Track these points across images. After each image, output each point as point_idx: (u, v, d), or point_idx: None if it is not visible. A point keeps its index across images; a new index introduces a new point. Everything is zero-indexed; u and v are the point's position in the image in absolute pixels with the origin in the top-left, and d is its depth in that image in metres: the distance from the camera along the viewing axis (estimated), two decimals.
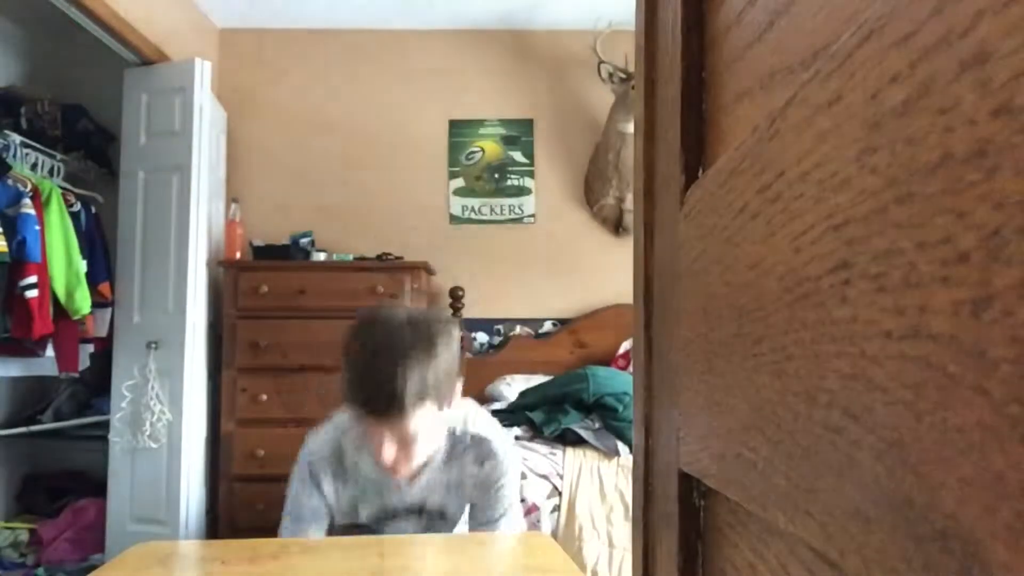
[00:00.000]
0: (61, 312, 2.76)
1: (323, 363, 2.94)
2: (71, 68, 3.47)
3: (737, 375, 0.30)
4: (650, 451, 0.46)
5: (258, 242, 3.26)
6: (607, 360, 3.28)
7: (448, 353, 1.21)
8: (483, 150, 3.60)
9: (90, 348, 3.17)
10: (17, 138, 2.80)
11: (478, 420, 1.44)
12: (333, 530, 1.43)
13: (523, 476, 2.33)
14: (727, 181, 0.32)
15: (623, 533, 2.41)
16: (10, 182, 2.67)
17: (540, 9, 3.43)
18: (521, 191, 3.60)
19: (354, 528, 1.40)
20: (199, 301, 2.97)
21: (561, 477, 2.47)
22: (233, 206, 3.32)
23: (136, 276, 2.97)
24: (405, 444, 1.22)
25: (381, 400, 1.15)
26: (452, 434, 1.37)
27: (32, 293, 2.61)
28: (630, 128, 3.26)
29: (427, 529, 1.40)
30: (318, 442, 1.40)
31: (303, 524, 1.38)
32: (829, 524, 0.22)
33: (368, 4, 3.38)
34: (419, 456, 1.26)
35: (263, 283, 3.03)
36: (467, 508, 1.44)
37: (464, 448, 1.37)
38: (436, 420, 1.25)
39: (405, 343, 1.16)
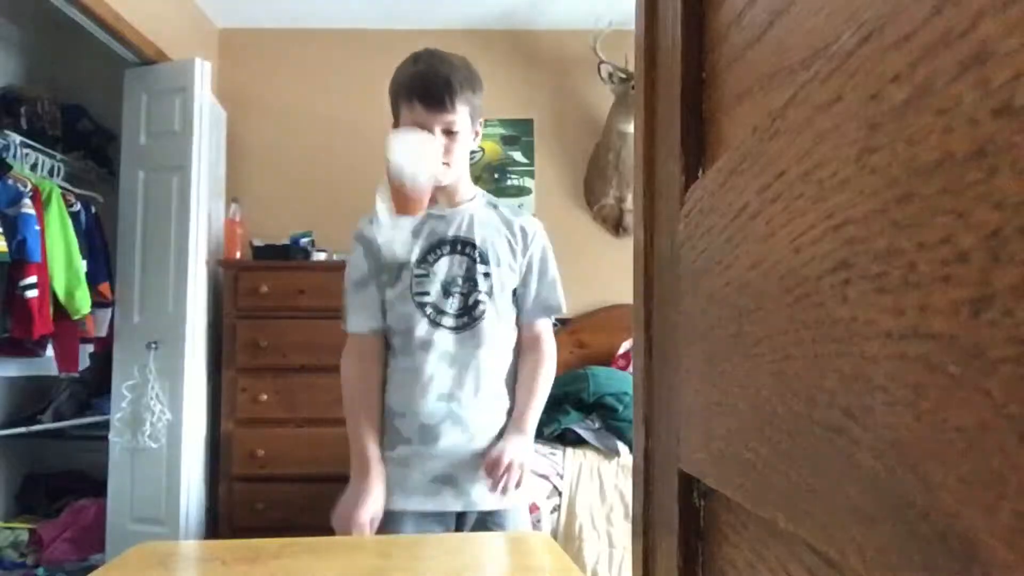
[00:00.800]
0: (61, 312, 2.76)
1: (323, 363, 2.94)
2: (71, 68, 3.47)
3: (737, 375, 0.30)
4: (650, 451, 0.46)
5: (258, 242, 3.26)
6: (607, 360, 3.28)
7: (481, 89, 1.48)
8: (483, 150, 3.60)
9: (90, 348, 3.17)
10: (17, 138, 2.80)
11: None
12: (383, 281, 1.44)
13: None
14: (727, 181, 0.32)
15: (623, 533, 2.41)
16: (10, 182, 2.67)
17: (540, 9, 3.43)
18: (521, 191, 3.60)
19: (402, 269, 1.42)
20: (199, 301, 2.97)
21: (561, 477, 2.47)
22: (233, 206, 3.32)
23: (136, 276, 2.97)
24: (449, 140, 1.39)
25: (434, 86, 1.37)
26: (488, 200, 1.53)
27: (32, 293, 2.61)
28: (630, 128, 3.26)
29: (469, 270, 1.42)
30: (363, 219, 1.51)
31: (366, 283, 1.44)
32: (829, 524, 0.22)
33: (368, 4, 3.38)
34: (458, 155, 1.41)
35: (263, 283, 3.03)
36: (512, 286, 1.46)
37: (499, 205, 1.54)
38: (467, 137, 1.44)
39: (454, 59, 1.44)
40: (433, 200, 1.40)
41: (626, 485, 2.45)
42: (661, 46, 0.45)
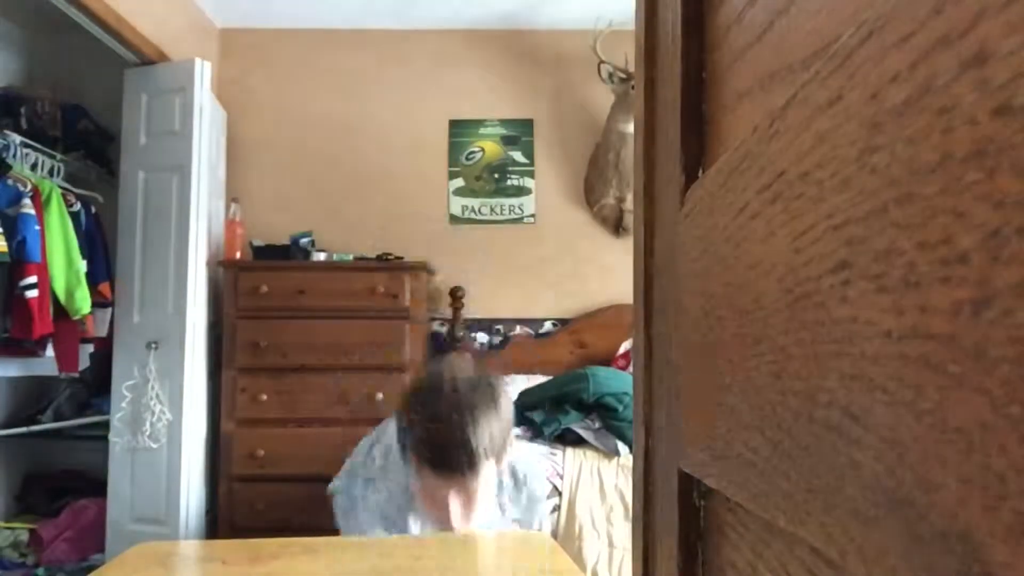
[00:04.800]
0: (61, 312, 2.76)
1: (323, 363, 2.94)
2: (71, 68, 3.46)
3: (737, 375, 0.30)
4: (650, 451, 0.46)
5: (258, 242, 3.26)
6: (607, 360, 3.28)
7: (508, 411, 1.30)
8: (483, 150, 3.60)
9: (90, 348, 3.17)
10: (17, 138, 2.80)
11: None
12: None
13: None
14: (727, 181, 0.32)
15: (623, 533, 2.41)
16: (10, 182, 2.67)
17: (540, 9, 3.43)
18: (521, 191, 3.60)
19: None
20: (199, 301, 2.97)
21: (561, 477, 2.47)
22: (233, 206, 3.32)
23: (136, 276, 2.97)
24: (469, 502, 1.29)
25: (452, 459, 1.21)
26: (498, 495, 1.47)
27: (32, 293, 2.61)
28: (630, 128, 3.26)
29: None
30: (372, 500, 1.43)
31: (357, 511, 1.43)
32: (829, 524, 0.22)
33: (368, 4, 3.37)
34: (480, 513, 1.32)
35: (263, 283, 3.03)
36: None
37: (502, 484, 1.46)
38: (490, 486, 1.35)
39: (474, 405, 1.23)
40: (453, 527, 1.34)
41: (626, 485, 2.45)
42: (661, 46, 0.45)
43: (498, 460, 1.31)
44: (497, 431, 1.25)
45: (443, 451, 1.22)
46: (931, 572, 0.16)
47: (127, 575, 0.97)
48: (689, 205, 0.38)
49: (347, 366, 2.92)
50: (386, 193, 3.56)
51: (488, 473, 1.29)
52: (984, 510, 0.15)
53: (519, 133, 3.62)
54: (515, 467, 1.50)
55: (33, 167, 2.86)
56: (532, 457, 1.58)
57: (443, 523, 1.31)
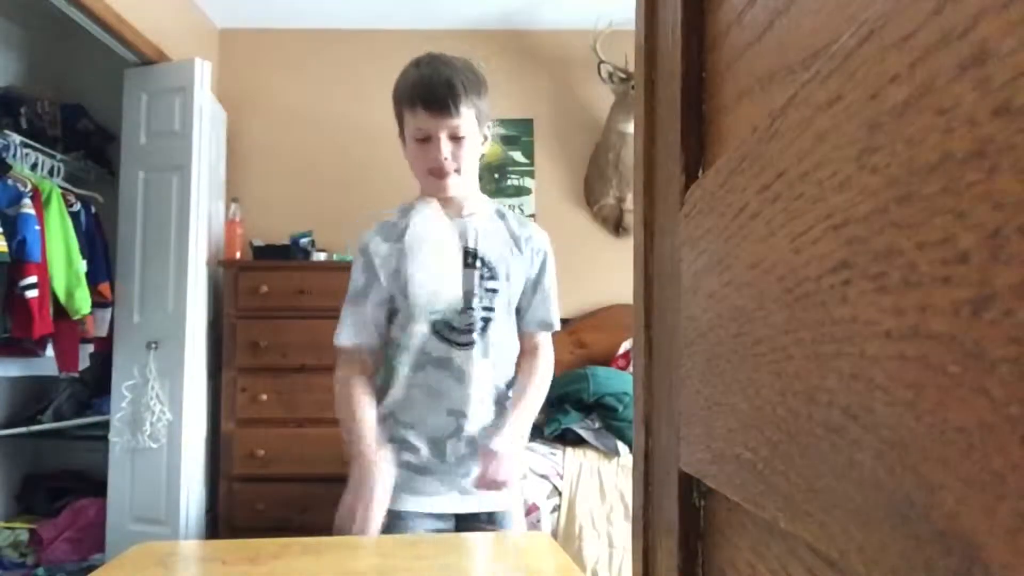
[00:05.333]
0: (61, 312, 2.76)
1: (323, 363, 2.94)
2: (71, 68, 3.47)
3: (737, 375, 0.30)
4: (650, 451, 0.46)
5: (258, 242, 3.26)
6: (607, 360, 3.28)
7: (487, 92, 1.42)
8: None
9: (90, 348, 3.17)
10: (17, 138, 2.80)
11: None
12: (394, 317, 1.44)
13: (523, 476, 2.34)
14: (727, 181, 0.32)
15: (623, 533, 2.41)
16: (10, 182, 2.67)
17: (540, 9, 3.43)
18: (521, 191, 3.60)
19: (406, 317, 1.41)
20: (199, 301, 2.97)
21: (561, 477, 2.47)
22: (233, 206, 3.32)
23: (136, 276, 2.97)
24: (458, 148, 1.36)
25: (437, 90, 1.32)
26: (496, 209, 1.51)
27: (32, 293, 2.61)
28: (630, 128, 3.26)
29: (477, 289, 1.39)
30: (367, 231, 1.50)
31: (360, 300, 1.46)
32: (829, 524, 0.22)
33: (368, 4, 3.38)
34: (466, 162, 1.37)
35: (263, 283, 3.03)
36: (515, 301, 1.45)
37: (506, 215, 1.50)
38: (475, 142, 1.39)
39: (457, 62, 1.39)
40: (445, 177, 1.39)
41: (626, 485, 2.45)
42: (661, 46, 0.45)
43: (480, 122, 1.38)
44: (477, 90, 1.37)
45: (427, 86, 1.33)
46: (931, 572, 0.16)
47: (127, 575, 0.97)
48: (689, 205, 0.38)
49: None
50: (386, 193, 3.56)
51: (471, 123, 1.36)
52: (984, 510, 0.15)
53: (519, 133, 3.62)
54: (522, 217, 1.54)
55: (33, 167, 2.87)
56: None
57: (436, 178, 1.37)
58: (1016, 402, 0.14)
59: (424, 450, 1.40)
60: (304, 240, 3.27)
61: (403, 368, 1.42)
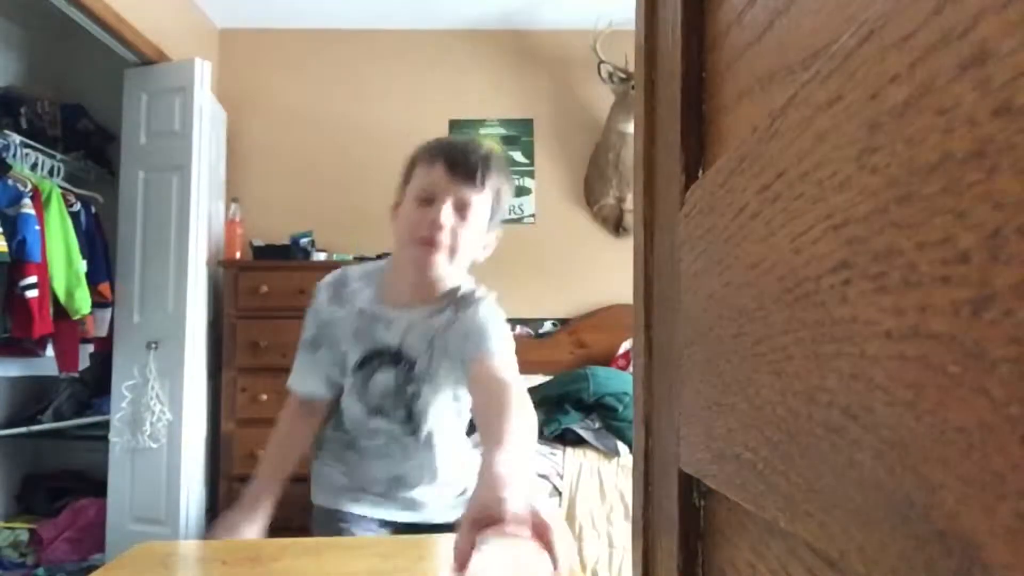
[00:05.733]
0: (61, 312, 2.76)
1: None
2: (71, 68, 3.47)
3: (737, 375, 0.30)
4: (650, 451, 0.46)
5: (258, 242, 3.26)
6: (607, 360, 3.28)
7: (510, 192, 1.29)
8: None
9: (90, 348, 3.17)
10: (17, 138, 2.80)
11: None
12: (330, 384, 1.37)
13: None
14: (727, 181, 0.32)
15: (623, 533, 2.41)
16: (10, 182, 2.67)
17: (540, 9, 3.43)
18: (521, 191, 3.60)
19: (340, 387, 1.35)
20: (199, 301, 2.97)
21: (561, 477, 2.47)
22: (233, 206, 3.32)
23: (136, 276, 2.97)
24: (462, 218, 1.20)
25: (469, 155, 1.19)
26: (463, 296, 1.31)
27: (32, 293, 2.61)
28: (630, 128, 3.26)
29: (401, 387, 1.28)
30: (322, 282, 1.39)
31: (312, 349, 1.38)
32: (829, 524, 0.22)
33: (368, 4, 3.38)
34: (463, 249, 1.22)
35: (263, 283, 3.03)
36: (457, 394, 1.32)
37: (448, 303, 1.30)
38: (479, 230, 1.24)
39: (485, 147, 1.26)
40: (433, 246, 1.22)
41: (626, 485, 2.45)
42: (661, 46, 0.45)
43: (495, 205, 1.24)
44: (506, 171, 1.26)
45: (459, 148, 1.21)
46: (931, 572, 0.16)
47: (127, 575, 0.97)
48: (689, 205, 0.38)
49: None
50: (386, 193, 3.56)
51: (482, 208, 1.21)
52: (984, 510, 0.15)
53: (519, 133, 3.62)
54: (468, 291, 1.31)
55: (33, 167, 2.87)
56: (490, 295, 1.34)
57: (426, 246, 1.19)
58: (1016, 402, 0.14)
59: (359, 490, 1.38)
60: (304, 240, 3.27)
61: (345, 420, 1.40)
